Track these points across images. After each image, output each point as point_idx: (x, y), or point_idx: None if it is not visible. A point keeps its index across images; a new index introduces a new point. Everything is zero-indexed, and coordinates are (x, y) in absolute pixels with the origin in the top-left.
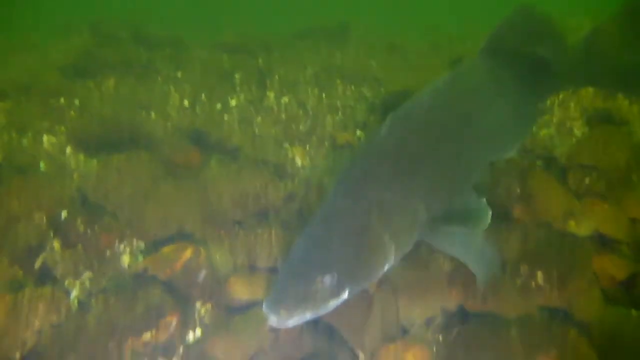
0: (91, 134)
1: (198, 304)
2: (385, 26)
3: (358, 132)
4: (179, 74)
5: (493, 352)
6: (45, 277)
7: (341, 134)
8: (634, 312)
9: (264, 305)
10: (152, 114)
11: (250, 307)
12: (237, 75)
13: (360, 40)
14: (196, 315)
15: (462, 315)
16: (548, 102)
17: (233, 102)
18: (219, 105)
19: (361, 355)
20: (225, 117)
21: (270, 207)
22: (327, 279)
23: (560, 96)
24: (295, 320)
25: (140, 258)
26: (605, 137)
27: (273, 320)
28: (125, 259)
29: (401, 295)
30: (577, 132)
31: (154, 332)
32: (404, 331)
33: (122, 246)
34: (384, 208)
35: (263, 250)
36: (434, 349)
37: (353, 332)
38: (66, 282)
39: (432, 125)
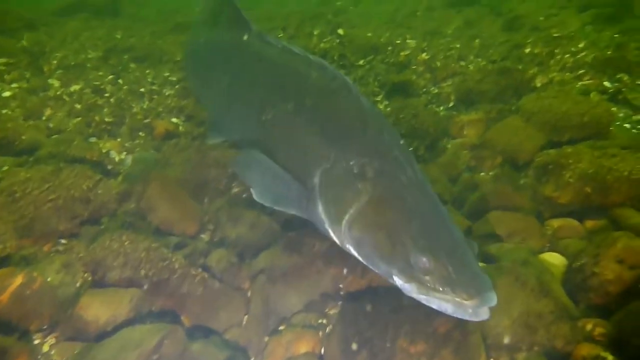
0: None
1: (41, 338)
2: None
3: (174, 120)
4: None
5: (393, 324)
6: None
7: (158, 122)
8: None
9: (472, 307)
10: None
11: (115, 329)
12: (0, 61)
13: (134, 17)
14: (42, 352)
15: (345, 294)
16: (351, 78)
17: (7, 93)
18: None
19: (251, 355)
20: (4, 110)
21: (104, 210)
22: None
23: (360, 73)
24: None
25: None
26: (411, 109)
27: (487, 314)
28: None
29: (277, 285)
30: (380, 105)
31: None
32: (287, 321)
33: None
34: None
35: (116, 260)
36: (320, 333)
37: (237, 334)
38: None
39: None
